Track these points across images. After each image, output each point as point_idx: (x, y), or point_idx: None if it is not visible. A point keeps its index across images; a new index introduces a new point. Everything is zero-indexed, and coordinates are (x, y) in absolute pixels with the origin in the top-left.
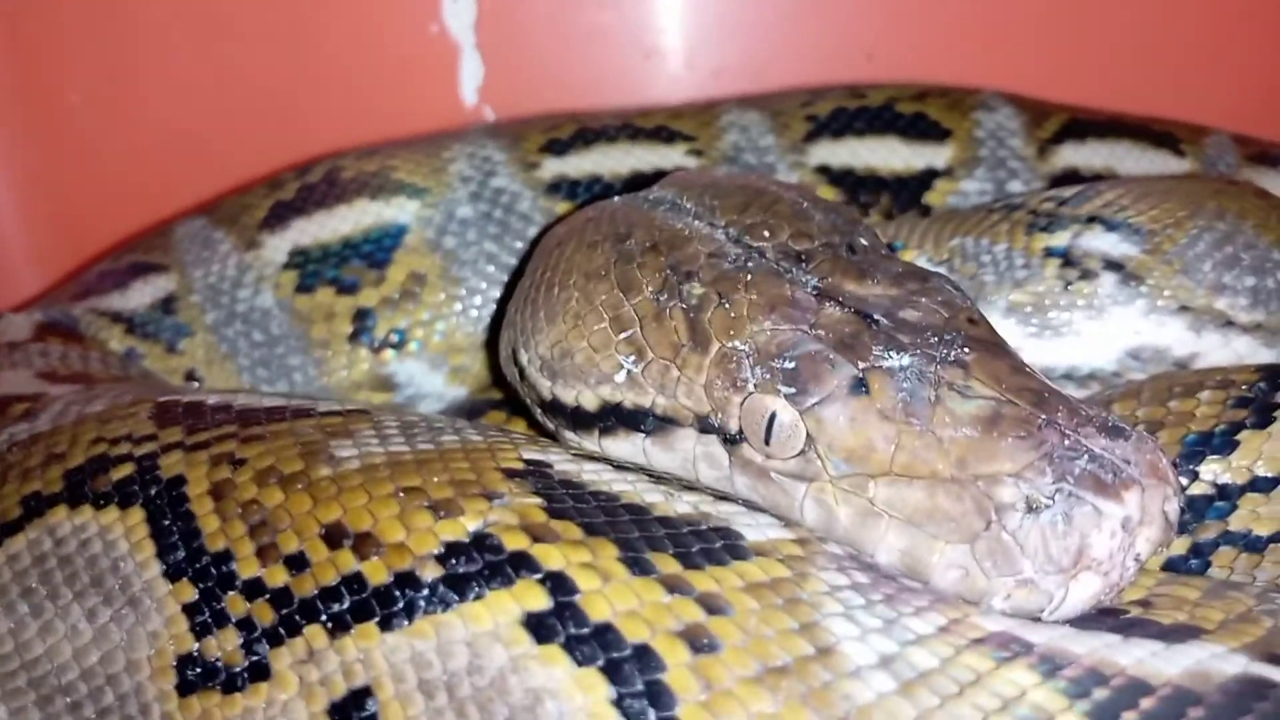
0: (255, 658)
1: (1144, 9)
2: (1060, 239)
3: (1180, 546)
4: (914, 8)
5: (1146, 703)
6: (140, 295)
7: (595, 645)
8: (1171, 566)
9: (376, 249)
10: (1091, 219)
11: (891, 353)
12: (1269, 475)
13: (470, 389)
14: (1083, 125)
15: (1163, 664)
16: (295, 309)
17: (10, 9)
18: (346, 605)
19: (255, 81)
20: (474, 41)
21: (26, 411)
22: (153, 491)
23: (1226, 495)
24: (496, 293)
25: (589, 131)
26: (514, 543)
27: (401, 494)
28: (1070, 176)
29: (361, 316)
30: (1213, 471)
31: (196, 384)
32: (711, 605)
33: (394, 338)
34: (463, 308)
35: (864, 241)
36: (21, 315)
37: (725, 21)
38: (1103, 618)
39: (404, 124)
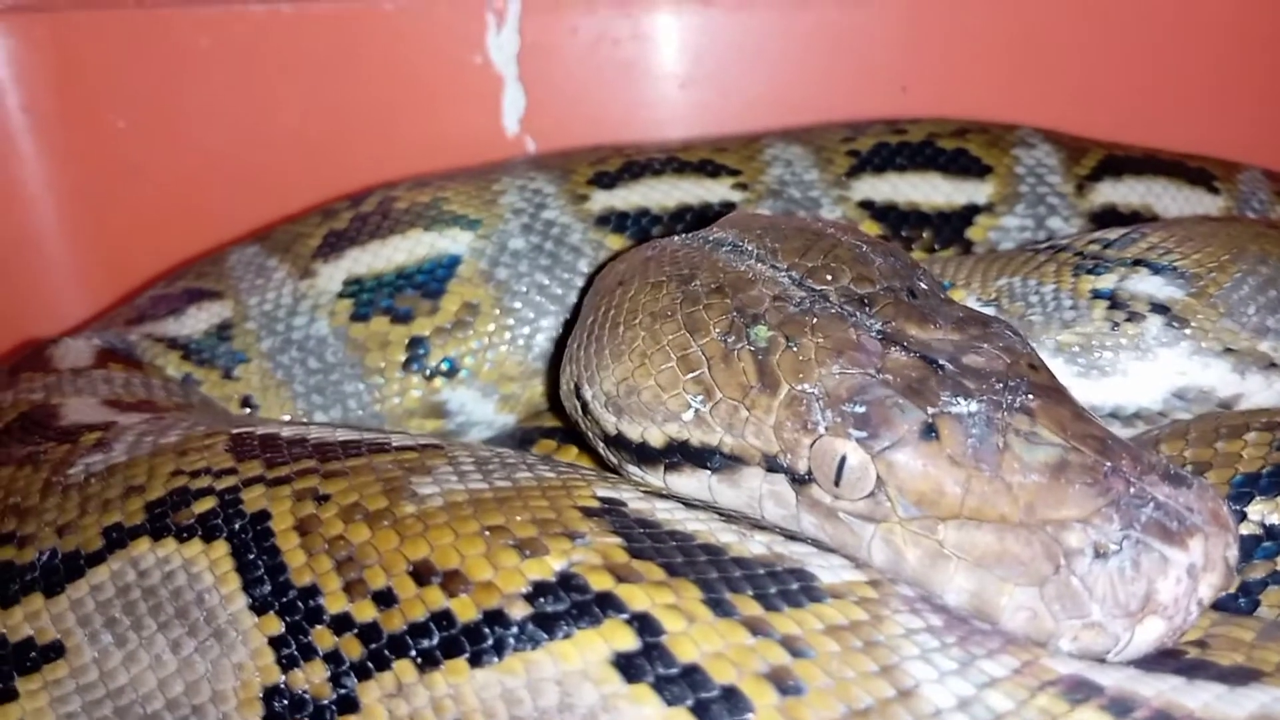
0: (343, 691)
1: (1169, 43)
2: (1107, 281)
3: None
4: (948, 42)
5: None
6: (195, 321)
7: (684, 685)
8: (1221, 605)
9: (430, 279)
10: (1137, 262)
11: (959, 399)
12: None
13: (519, 416)
14: (1119, 162)
15: (1229, 707)
16: (350, 337)
17: (56, 34)
18: (436, 641)
19: (300, 110)
20: (516, 73)
21: (99, 441)
22: (237, 526)
23: (1274, 535)
24: (546, 323)
25: (635, 165)
26: (599, 583)
27: (487, 532)
28: (1108, 212)
29: (415, 345)
30: (1260, 512)
31: (251, 410)
32: (794, 648)
33: (445, 366)
34: (513, 337)
35: (923, 285)
36: (81, 340)
37: (760, 52)
38: (1165, 659)
39: (447, 153)
